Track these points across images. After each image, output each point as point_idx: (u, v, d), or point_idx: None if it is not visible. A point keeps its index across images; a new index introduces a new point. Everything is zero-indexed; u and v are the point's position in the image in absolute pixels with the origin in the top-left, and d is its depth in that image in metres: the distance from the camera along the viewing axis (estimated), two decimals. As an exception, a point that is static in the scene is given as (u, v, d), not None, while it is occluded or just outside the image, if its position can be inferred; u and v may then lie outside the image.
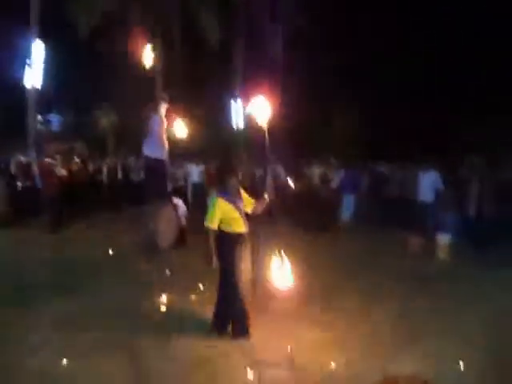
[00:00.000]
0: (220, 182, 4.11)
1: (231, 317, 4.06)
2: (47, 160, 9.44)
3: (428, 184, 9.37)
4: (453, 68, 15.62)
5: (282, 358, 3.70)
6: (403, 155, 11.72)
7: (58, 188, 8.96)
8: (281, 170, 11.24)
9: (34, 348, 3.71)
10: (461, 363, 3.63)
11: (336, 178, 10.28)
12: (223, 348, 3.83)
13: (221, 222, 3.97)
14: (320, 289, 5.66)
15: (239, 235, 4.05)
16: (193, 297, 5.13)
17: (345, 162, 11.38)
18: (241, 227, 4.03)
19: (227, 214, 3.95)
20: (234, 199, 4.02)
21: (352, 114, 16.27)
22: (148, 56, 6.85)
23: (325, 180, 10.17)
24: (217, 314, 4.11)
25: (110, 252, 7.13)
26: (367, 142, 15.77)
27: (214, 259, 3.94)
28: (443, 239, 7.77)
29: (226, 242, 4.00)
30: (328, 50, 16.82)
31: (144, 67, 6.86)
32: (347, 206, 11.00)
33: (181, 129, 7.02)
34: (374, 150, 14.06)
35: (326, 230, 9.50)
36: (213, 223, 3.93)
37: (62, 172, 9.22)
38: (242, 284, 4.08)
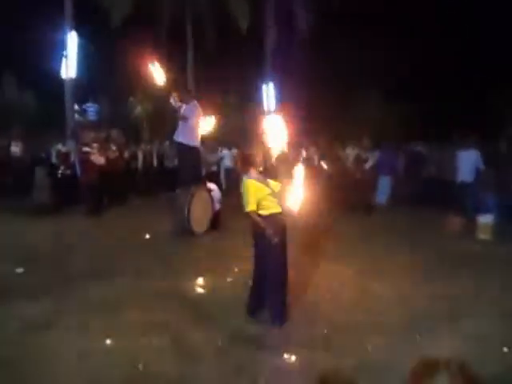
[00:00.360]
0: (249, 165, 4.08)
1: (274, 301, 3.99)
2: (85, 149, 9.72)
3: (468, 163, 9.04)
4: (484, 41, 14.87)
5: (320, 341, 3.70)
6: (441, 134, 11.31)
7: (97, 176, 9.22)
8: (314, 152, 11.14)
9: (74, 330, 3.85)
10: (503, 346, 3.53)
11: (370, 159, 10.06)
12: (259, 329, 3.87)
13: (257, 205, 3.90)
14: (354, 269, 5.62)
15: (277, 216, 3.98)
16: (228, 279, 5.18)
17: (380, 142, 11.11)
18: (277, 207, 3.96)
19: (261, 194, 3.92)
20: (264, 180, 3.99)
21: (387, 92, 15.80)
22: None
23: (359, 161, 9.98)
24: (257, 297, 4.12)
25: (147, 236, 7.30)
26: (403, 122, 15.32)
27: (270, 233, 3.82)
28: (484, 219, 7.50)
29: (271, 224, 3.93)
30: (362, 25, 16.34)
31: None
32: (383, 188, 10.80)
33: (209, 122, 7.15)
34: (410, 129, 13.64)
35: (361, 212, 9.35)
36: (251, 206, 3.86)
37: (100, 160, 9.46)
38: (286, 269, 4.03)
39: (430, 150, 10.94)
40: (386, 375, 3.18)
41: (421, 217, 8.98)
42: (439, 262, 6.03)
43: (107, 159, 10.32)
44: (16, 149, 10.33)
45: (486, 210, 8.02)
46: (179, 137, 7.40)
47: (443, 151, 10.71)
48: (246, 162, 4.07)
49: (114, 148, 10.82)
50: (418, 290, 4.89)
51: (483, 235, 7.39)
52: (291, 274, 4.15)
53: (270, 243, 3.88)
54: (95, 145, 9.88)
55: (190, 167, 7.57)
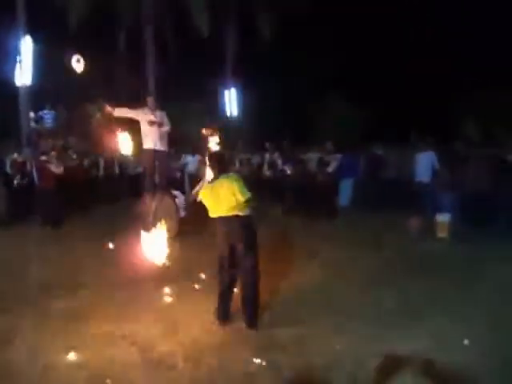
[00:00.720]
0: (226, 163, 4.19)
1: (254, 304, 4.06)
2: (42, 157, 9.38)
3: (425, 164, 9.43)
4: (445, 43, 15.54)
5: (290, 344, 3.73)
6: (400, 136, 11.70)
7: (55, 184, 8.93)
8: (277, 157, 11.26)
9: (36, 344, 3.73)
10: (463, 341, 3.68)
11: (333, 163, 10.27)
12: (229, 335, 3.87)
13: (241, 206, 3.98)
14: (319, 273, 5.72)
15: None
16: (195, 286, 5.14)
17: (342, 146, 11.36)
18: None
19: None
20: None
21: (347, 97, 16.18)
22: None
23: (322, 165, 10.16)
24: (227, 302, 4.14)
25: (111, 246, 7.11)
26: (363, 124, 15.74)
27: None
28: (442, 219, 7.81)
29: (252, 225, 4.08)
30: (320, 30, 16.66)
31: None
32: (345, 191, 11.05)
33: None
34: (370, 131, 14.02)
35: (323, 215, 9.52)
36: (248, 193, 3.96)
37: (58, 169, 9.17)
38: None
39: (389, 153, 11.28)
40: (356, 373, 3.25)
41: (382, 218, 9.21)
42: (401, 262, 6.23)
43: (66, 167, 10.02)
44: None
45: (443, 209, 8.37)
46: (146, 143, 7.35)
47: (402, 153, 11.09)
48: (222, 161, 4.17)
49: (73, 156, 10.53)
50: (382, 291, 5.01)
51: (441, 234, 7.69)
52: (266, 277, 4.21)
53: (251, 245, 3.96)
54: (53, 153, 9.56)
55: (156, 174, 7.52)
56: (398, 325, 4.08)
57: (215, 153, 4.40)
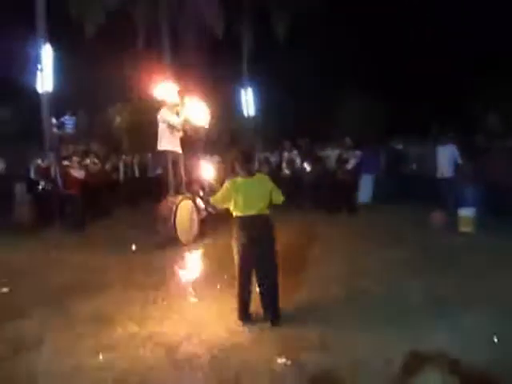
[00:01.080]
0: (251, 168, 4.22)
1: (275, 302, 4.11)
2: (65, 162, 9.57)
3: (447, 158, 9.26)
4: (461, 36, 15.21)
5: (315, 342, 3.73)
6: (420, 130, 11.54)
7: (78, 189, 9.12)
8: (296, 155, 11.22)
9: (65, 347, 3.80)
10: (491, 338, 3.61)
11: (352, 159, 10.18)
12: (253, 335, 3.89)
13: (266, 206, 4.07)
14: (341, 269, 5.69)
15: None
16: (218, 286, 5.17)
17: (361, 141, 11.27)
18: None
19: None
20: None
21: (366, 90, 16.00)
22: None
23: (341, 161, 10.09)
24: (247, 302, 4.16)
25: (134, 248, 7.21)
26: (383, 120, 15.56)
27: None
28: (464, 213, 7.67)
29: (273, 224, 4.15)
30: (338, 26, 16.53)
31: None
32: (365, 187, 10.94)
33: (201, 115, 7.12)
34: (389, 127, 13.87)
35: (343, 212, 9.47)
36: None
37: (80, 173, 9.36)
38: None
39: (409, 147, 11.14)
40: (381, 372, 3.22)
41: (404, 214, 9.14)
42: (424, 257, 6.17)
43: (89, 172, 10.21)
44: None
45: (467, 204, 8.23)
46: (161, 145, 7.41)
47: (423, 147, 10.93)
48: (252, 160, 4.27)
49: (95, 160, 10.71)
50: (406, 286, 4.96)
51: (465, 228, 7.56)
52: (284, 276, 4.22)
53: (272, 244, 4.03)
54: (75, 158, 9.76)
55: (174, 175, 7.58)
56: (424, 321, 4.03)
57: (245, 150, 4.37)
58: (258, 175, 4.19)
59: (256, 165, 11.59)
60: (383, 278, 5.31)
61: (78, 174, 9.27)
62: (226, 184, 4.12)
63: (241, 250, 4.06)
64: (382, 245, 6.86)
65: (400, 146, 11.06)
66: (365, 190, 10.95)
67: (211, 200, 4.41)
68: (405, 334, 3.77)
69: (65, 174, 9.34)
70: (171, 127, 7.21)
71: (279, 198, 4.14)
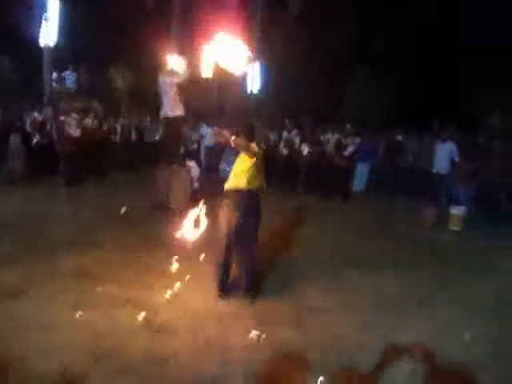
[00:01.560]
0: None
1: (252, 271, 4.16)
2: (62, 118, 9.46)
3: (444, 155, 9.25)
4: (467, 33, 15.03)
5: (291, 319, 3.79)
6: (421, 124, 11.48)
7: (73, 145, 9.05)
8: (295, 135, 11.15)
9: (45, 300, 3.84)
10: (466, 333, 3.68)
11: (351, 146, 10.14)
12: (230, 306, 3.94)
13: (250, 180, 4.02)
14: (327, 254, 5.73)
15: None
16: (201, 257, 5.19)
17: (362, 129, 11.21)
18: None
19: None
20: None
21: (372, 79, 15.86)
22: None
23: (339, 147, 10.05)
24: (227, 273, 4.21)
25: (122, 211, 7.18)
26: (386, 109, 15.46)
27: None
28: (455, 211, 7.71)
29: (253, 199, 4.11)
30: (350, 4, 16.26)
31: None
32: (361, 175, 10.94)
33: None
34: (391, 116, 13.78)
35: (337, 197, 9.49)
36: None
37: (76, 132, 9.28)
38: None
39: (408, 139, 11.10)
40: (355, 356, 3.28)
41: (396, 205, 9.18)
42: (409, 250, 6.22)
43: (86, 130, 10.12)
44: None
45: (459, 202, 8.28)
46: (164, 110, 7.32)
47: (421, 141, 10.91)
48: (252, 135, 4.16)
49: (93, 120, 10.61)
50: (388, 277, 5.03)
51: (454, 226, 7.61)
52: (263, 255, 4.25)
53: (251, 217, 4.03)
54: (74, 115, 9.64)
55: (172, 143, 7.53)
56: (401, 312, 4.11)
57: (248, 124, 4.32)
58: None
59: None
60: (366, 266, 5.35)
61: (73, 131, 9.16)
62: None
63: (222, 220, 4.12)
64: (369, 234, 6.91)
65: (400, 138, 11.00)
66: (360, 178, 10.96)
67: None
68: (380, 323, 3.85)
69: (60, 130, 9.23)
70: (173, 85, 7.02)
71: (254, 181, 4.04)
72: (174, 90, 7.07)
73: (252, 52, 18.18)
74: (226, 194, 4.15)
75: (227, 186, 4.13)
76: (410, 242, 6.61)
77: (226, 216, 4.09)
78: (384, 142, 11.06)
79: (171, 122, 7.32)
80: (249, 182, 4.01)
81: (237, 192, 4.05)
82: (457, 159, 9.00)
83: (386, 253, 5.98)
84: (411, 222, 7.82)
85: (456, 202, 8.31)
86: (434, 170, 9.38)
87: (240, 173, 4.03)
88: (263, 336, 3.43)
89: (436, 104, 13.68)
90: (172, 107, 7.20)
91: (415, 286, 4.83)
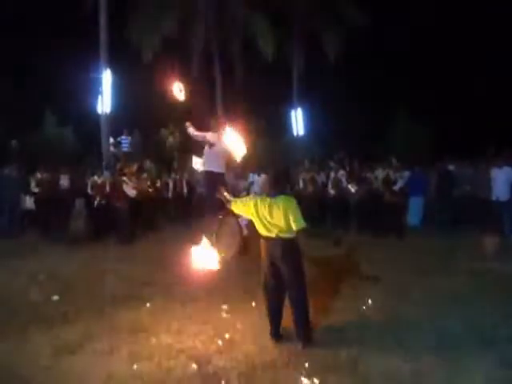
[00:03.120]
0: (282, 188, 4.13)
1: (305, 321, 4.07)
2: (118, 178, 10.08)
3: (503, 180, 8.83)
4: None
5: (346, 365, 3.64)
6: (473, 151, 11.07)
7: (127, 203, 9.57)
8: (342, 175, 11.10)
9: (103, 354, 3.98)
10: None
11: (400, 180, 9.92)
12: (284, 352, 3.87)
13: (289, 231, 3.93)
14: (383, 294, 5.51)
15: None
16: (253, 304, 5.18)
17: (410, 162, 10.96)
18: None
19: None
20: None
21: (414, 111, 15.69)
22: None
23: (388, 183, 9.85)
24: (279, 319, 4.16)
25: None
26: (432, 140, 15.12)
27: None
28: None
29: (296, 247, 4.05)
30: (387, 48, 16.47)
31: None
32: (415, 210, 10.57)
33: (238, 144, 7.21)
34: (439, 147, 13.41)
35: (391, 235, 9.18)
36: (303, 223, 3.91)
37: (132, 192, 9.84)
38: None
39: (461, 168, 10.68)
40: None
41: (455, 238, 8.70)
42: (474, 284, 5.83)
43: (140, 189, 10.70)
44: (64, 182, 10.88)
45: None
46: (205, 165, 7.59)
47: (476, 169, 10.45)
48: (286, 179, 4.22)
49: (146, 177, 11.22)
50: (451, 316, 4.73)
51: (521, 254, 7.09)
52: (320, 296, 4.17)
53: (295, 267, 3.98)
54: (133, 178, 10.29)
55: (217, 195, 7.71)
56: (467, 354, 3.81)
57: (281, 168, 4.38)
58: (284, 197, 3.99)
59: (300, 184, 11.59)
60: (425, 305, 5.07)
61: (129, 191, 9.73)
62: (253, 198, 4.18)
63: (264, 269, 4.11)
64: (428, 271, 6.57)
65: (451, 167, 10.62)
66: (414, 213, 10.58)
67: (232, 205, 4.36)
68: (442, 366, 3.60)
69: (118, 188, 9.84)
70: (210, 145, 7.31)
71: (297, 225, 3.85)
72: (217, 146, 7.35)
73: (295, 98, 18.83)
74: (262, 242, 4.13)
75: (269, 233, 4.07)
76: (472, 277, 6.19)
77: (266, 263, 4.09)
78: (435, 174, 10.71)
79: (211, 175, 7.54)
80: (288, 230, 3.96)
81: (274, 240, 4.02)
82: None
83: (447, 289, 5.64)
84: (472, 254, 7.38)
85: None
86: (494, 198, 8.93)
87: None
88: (316, 382, 3.33)
89: (486, 129, 13.20)
90: (211, 163, 7.47)
91: (480, 324, 4.48)
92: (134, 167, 11.38)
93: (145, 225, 10.51)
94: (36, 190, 10.61)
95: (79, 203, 10.94)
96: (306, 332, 4.04)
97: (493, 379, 3.38)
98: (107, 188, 10.66)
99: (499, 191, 8.86)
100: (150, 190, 11.21)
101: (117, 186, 9.95)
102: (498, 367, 3.53)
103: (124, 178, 10.07)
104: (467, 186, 10.31)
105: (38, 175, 10.72)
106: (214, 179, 7.58)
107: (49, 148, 16.58)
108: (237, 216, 7.93)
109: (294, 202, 3.96)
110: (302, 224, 3.87)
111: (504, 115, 14.19)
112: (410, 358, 3.74)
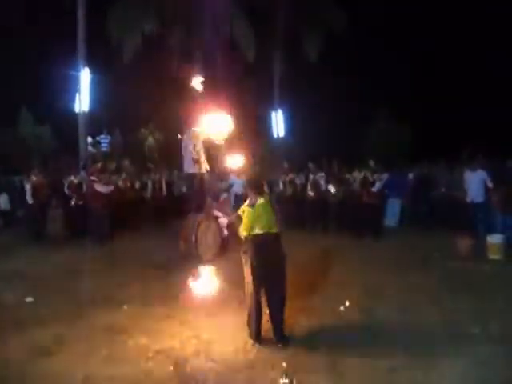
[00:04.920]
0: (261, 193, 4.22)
1: (282, 322, 4.10)
2: (92, 178, 9.93)
3: (477, 183, 9.01)
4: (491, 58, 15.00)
5: (324, 366, 3.67)
6: (449, 154, 11.32)
7: (102, 203, 9.45)
8: (321, 177, 11.18)
9: (79, 356, 3.92)
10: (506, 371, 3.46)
11: (378, 182, 10.06)
12: (263, 354, 3.88)
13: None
14: (359, 293, 5.58)
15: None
16: (233, 305, 5.18)
17: (388, 164, 11.13)
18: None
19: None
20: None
21: (393, 114, 15.97)
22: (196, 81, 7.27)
23: (366, 184, 9.98)
24: (260, 321, 4.16)
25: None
26: (412, 144, 15.41)
27: None
28: (494, 240, 7.41)
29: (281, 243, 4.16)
30: (366, 50, 16.70)
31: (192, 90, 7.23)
32: (392, 211, 10.75)
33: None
34: (416, 151, 13.68)
35: (368, 236, 9.31)
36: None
37: (107, 188, 9.70)
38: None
39: (437, 171, 10.91)
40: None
41: (431, 238, 8.90)
42: (449, 284, 5.96)
43: (118, 189, 10.56)
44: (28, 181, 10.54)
45: (496, 230, 7.95)
46: (186, 167, 7.61)
47: (452, 171, 10.67)
48: (260, 186, 4.28)
49: (124, 177, 11.09)
50: (424, 313, 4.83)
51: (493, 255, 7.28)
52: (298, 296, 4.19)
53: (282, 262, 4.06)
54: (102, 175, 10.12)
55: (197, 195, 7.73)
56: (441, 351, 3.90)
57: (253, 178, 4.44)
58: (263, 198, 4.17)
59: (280, 187, 11.64)
60: (400, 304, 5.16)
61: (102, 188, 9.59)
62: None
63: (254, 267, 4.09)
64: (404, 270, 6.69)
65: (428, 170, 10.85)
66: (391, 214, 10.77)
67: (241, 232, 4.24)
68: (419, 362, 3.67)
69: (90, 188, 9.70)
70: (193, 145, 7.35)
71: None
72: (194, 149, 7.38)
73: (275, 100, 18.88)
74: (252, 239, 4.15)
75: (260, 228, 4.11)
76: (446, 275, 6.34)
77: (262, 260, 4.09)
78: (413, 176, 10.91)
79: (195, 176, 7.56)
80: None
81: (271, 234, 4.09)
82: (490, 186, 8.75)
83: (421, 288, 5.76)
84: (447, 254, 7.54)
85: (493, 230, 7.99)
86: (469, 200, 9.11)
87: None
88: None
89: (462, 132, 13.52)
90: (191, 165, 7.50)
91: (454, 320, 4.59)
92: (98, 165, 11.21)
93: (122, 225, 10.37)
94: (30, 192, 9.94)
95: (54, 203, 10.74)
96: (284, 331, 4.07)
97: (467, 377, 3.45)
98: (84, 188, 10.51)
99: (474, 193, 9.06)
100: (128, 189, 11.10)
101: (90, 185, 9.82)
102: (471, 365, 3.60)
103: (92, 178, 9.92)
104: (442, 188, 10.55)
105: (33, 178, 10.09)
106: (193, 180, 7.62)
107: (24, 147, 16.26)
108: (216, 217, 7.98)
109: (269, 208, 4.11)
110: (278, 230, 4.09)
111: (479, 118, 14.56)
112: (387, 356, 3.79)
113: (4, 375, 3.59)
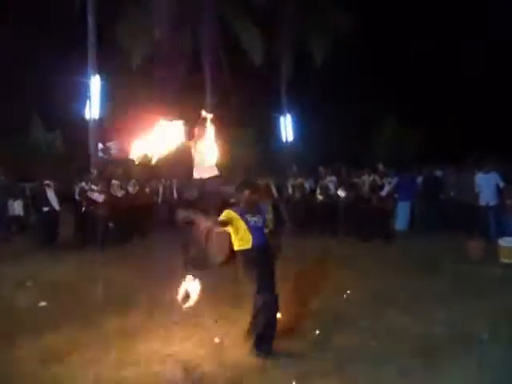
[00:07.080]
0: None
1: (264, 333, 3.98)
2: (85, 186, 10.09)
3: (488, 186, 8.94)
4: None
5: (333, 369, 3.67)
6: (458, 157, 11.24)
7: (102, 210, 9.70)
8: (330, 181, 11.17)
9: (90, 360, 3.96)
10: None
11: (387, 186, 10.03)
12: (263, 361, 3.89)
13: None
14: (369, 297, 5.56)
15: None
16: (239, 309, 5.17)
17: (397, 168, 11.09)
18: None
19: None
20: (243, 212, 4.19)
21: (402, 118, 15.91)
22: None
23: (375, 188, 9.95)
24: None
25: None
26: (419, 146, 15.32)
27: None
28: (506, 242, 7.33)
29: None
30: (374, 53, 16.67)
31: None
32: (402, 215, 10.68)
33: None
34: (426, 153, 13.59)
35: (378, 240, 9.26)
36: None
37: (98, 197, 9.89)
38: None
39: (447, 174, 10.83)
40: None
41: (442, 242, 8.81)
42: (459, 287, 5.91)
43: (128, 194, 10.67)
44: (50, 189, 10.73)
45: (509, 233, 7.87)
46: (196, 172, 7.62)
47: (461, 174, 10.59)
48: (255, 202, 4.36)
49: (134, 182, 11.20)
50: (434, 317, 4.79)
51: (506, 259, 7.20)
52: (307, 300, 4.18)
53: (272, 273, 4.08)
54: (100, 182, 10.26)
55: (208, 200, 7.77)
56: (451, 356, 3.87)
57: (248, 183, 4.47)
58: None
59: (289, 191, 11.64)
60: (409, 307, 5.13)
61: (94, 196, 9.76)
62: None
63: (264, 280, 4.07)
64: (414, 274, 6.65)
65: (438, 172, 10.78)
66: (401, 217, 10.70)
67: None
68: (428, 367, 3.64)
69: (85, 197, 9.88)
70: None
71: None
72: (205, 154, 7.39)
73: (283, 104, 18.88)
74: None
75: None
76: (457, 279, 6.28)
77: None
78: (422, 179, 10.85)
79: (206, 180, 7.57)
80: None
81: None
82: (502, 185, 8.68)
83: (431, 292, 5.72)
84: (458, 258, 7.47)
85: (506, 233, 7.91)
86: (483, 203, 9.01)
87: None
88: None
89: (473, 134, 13.42)
90: (202, 170, 7.50)
91: (464, 325, 4.54)
92: (94, 172, 11.34)
93: (133, 230, 10.46)
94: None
95: (64, 209, 10.85)
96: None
97: (478, 381, 3.43)
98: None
99: (488, 196, 8.96)
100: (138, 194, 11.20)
101: (85, 193, 10.02)
102: (482, 369, 3.57)
103: (85, 186, 10.08)
104: (452, 191, 10.47)
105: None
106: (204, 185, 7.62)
107: (35, 153, 16.46)
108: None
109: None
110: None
111: (490, 121, 14.45)
112: (396, 360, 3.78)
113: (17, 379, 3.65)
